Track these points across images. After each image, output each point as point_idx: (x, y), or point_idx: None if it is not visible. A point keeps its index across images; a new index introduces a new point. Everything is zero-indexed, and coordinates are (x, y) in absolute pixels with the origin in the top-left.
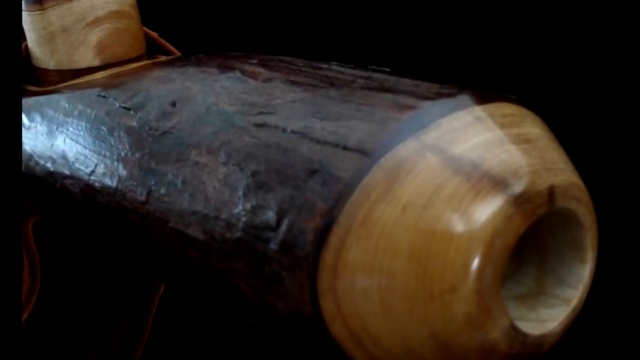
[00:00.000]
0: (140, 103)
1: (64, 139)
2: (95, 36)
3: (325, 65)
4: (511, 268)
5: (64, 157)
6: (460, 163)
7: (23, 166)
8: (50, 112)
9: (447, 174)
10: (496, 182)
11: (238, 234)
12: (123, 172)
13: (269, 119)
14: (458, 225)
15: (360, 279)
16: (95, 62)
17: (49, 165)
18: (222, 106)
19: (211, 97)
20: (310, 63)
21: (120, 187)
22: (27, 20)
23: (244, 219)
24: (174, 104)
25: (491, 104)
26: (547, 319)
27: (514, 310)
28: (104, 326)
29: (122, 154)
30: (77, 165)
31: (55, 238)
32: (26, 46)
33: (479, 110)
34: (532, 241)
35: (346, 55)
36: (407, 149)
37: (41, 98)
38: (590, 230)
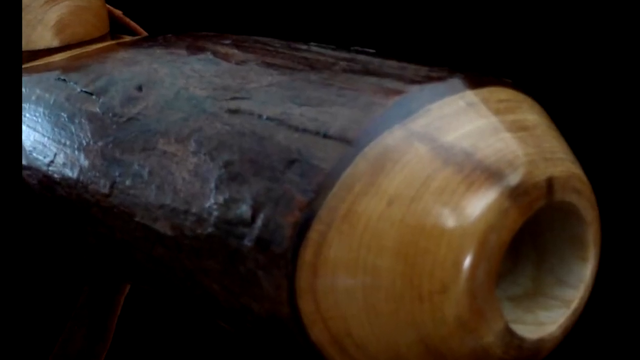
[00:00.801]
0: (103, 87)
1: None
2: (54, 14)
3: (304, 47)
4: (506, 267)
5: None
6: (451, 152)
7: None
8: None
9: (437, 165)
10: (490, 173)
11: (210, 230)
12: (84, 162)
13: (243, 105)
14: (449, 220)
15: (342, 278)
16: (55, 43)
17: None
18: (192, 90)
19: (180, 80)
20: (288, 44)
21: (81, 178)
22: None
23: (216, 213)
24: (139, 88)
25: (485, 89)
26: (546, 321)
27: (510, 312)
28: (63, 329)
29: (84, 143)
30: (34, 154)
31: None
32: None
33: (471, 95)
34: (529, 237)
35: (327, 35)
36: (393, 137)
37: None
38: (592, 225)
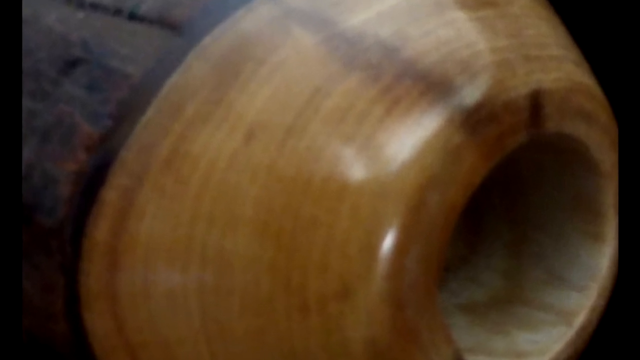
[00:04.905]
0: None
1: None
2: None
3: None
4: (459, 252)
5: None
6: (358, 47)
7: None
8: None
9: (334, 69)
10: (429, 84)
11: None
12: None
13: None
14: (355, 168)
15: (163, 274)
16: None
17: None
18: None
19: None
20: None
21: None
22: None
23: None
24: None
25: None
26: (528, 350)
27: (465, 333)
28: None
29: None
30: None
31: None
32: None
33: None
34: (499, 201)
35: None
36: (255, 19)
37: None
38: (613, 177)
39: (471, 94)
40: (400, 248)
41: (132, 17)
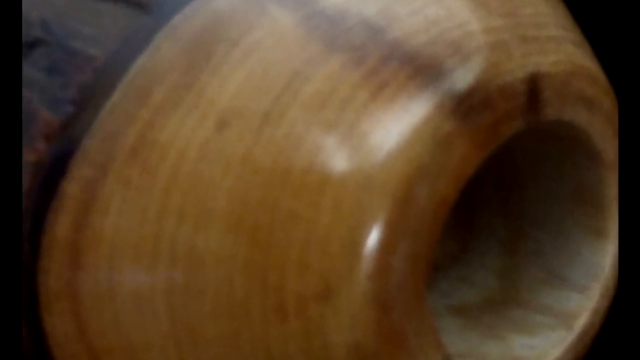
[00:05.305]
0: None
1: None
2: None
3: None
4: (450, 250)
5: None
6: (340, 27)
7: None
8: None
9: (314, 50)
10: (417, 68)
11: None
12: None
13: None
14: (337, 159)
15: (129, 274)
16: None
17: None
18: None
19: None
20: None
21: None
22: None
23: None
24: None
25: None
26: (525, 356)
27: (456, 337)
28: None
29: None
30: None
31: None
32: None
33: None
34: (494, 194)
35: None
36: None
37: None
38: (615, 167)
39: (463, 77)
40: (386, 245)
41: None
